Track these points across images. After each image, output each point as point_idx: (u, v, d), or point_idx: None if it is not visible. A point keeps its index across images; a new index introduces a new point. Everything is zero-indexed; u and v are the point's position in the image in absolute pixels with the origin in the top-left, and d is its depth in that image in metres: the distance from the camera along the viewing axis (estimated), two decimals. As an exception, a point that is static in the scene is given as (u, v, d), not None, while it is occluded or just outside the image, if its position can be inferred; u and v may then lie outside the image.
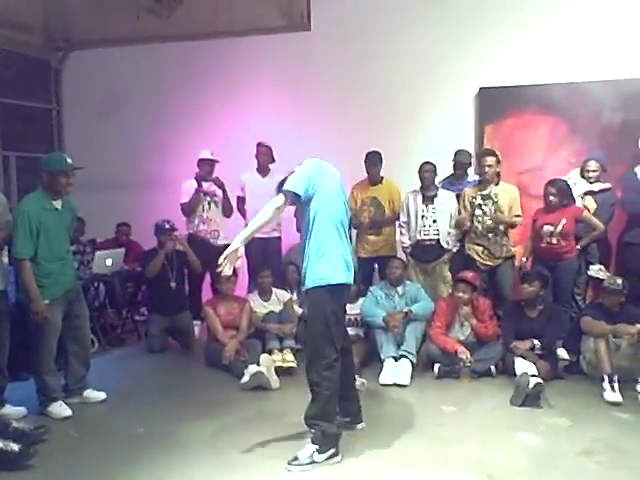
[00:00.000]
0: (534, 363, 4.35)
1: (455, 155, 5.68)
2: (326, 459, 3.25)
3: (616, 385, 4.11)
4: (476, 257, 5.21)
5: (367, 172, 5.72)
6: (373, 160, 5.66)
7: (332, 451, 3.28)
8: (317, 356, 3.25)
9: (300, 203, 3.33)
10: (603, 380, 4.17)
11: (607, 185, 5.39)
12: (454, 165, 5.71)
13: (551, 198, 5.03)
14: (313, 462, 3.23)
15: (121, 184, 6.97)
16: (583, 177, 5.40)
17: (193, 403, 4.24)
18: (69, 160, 4.02)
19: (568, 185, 5.15)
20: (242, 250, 3.37)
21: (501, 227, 5.18)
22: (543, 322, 4.67)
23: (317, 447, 3.25)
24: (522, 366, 4.30)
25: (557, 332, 4.72)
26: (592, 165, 5.37)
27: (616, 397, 4.06)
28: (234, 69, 6.76)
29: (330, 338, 3.26)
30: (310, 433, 3.31)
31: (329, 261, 3.29)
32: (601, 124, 5.85)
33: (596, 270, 4.97)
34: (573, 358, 4.73)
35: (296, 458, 3.24)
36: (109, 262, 5.78)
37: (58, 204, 4.02)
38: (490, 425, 3.79)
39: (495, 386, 4.48)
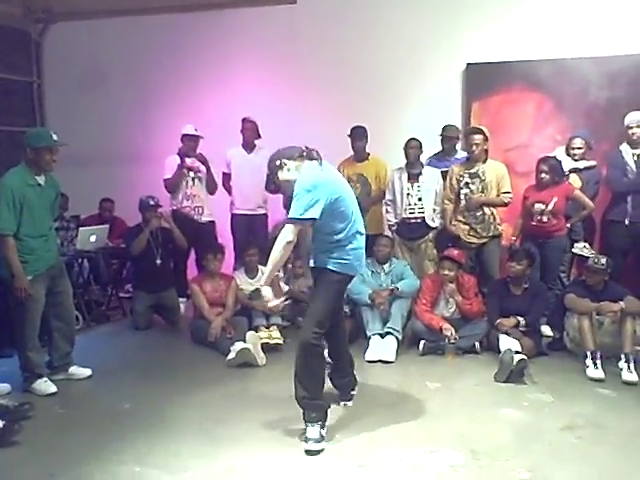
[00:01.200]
0: (518, 340, 4.40)
1: (443, 130, 5.64)
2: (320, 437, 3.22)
3: (599, 362, 4.17)
4: (461, 235, 5.21)
5: (352, 147, 5.68)
6: (358, 134, 5.62)
7: (323, 424, 3.27)
8: (316, 326, 3.27)
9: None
10: (586, 357, 4.22)
11: (592, 163, 5.41)
12: (442, 140, 5.67)
13: (543, 175, 5.03)
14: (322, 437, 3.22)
15: (104, 159, 6.88)
16: (568, 155, 5.41)
17: (179, 380, 4.24)
18: (54, 136, 3.95)
19: (560, 163, 5.15)
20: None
21: (486, 209, 5.16)
22: (528, 299, 4.71)
23: (321, 423, 3.24)
24: (506, 343, 4.34)
25: (541, 309, 4.77)
26: (577, 142, 5.38)
27: (598, 374, 4.12)
28: (219, 42, 6.64)
29: (329, 314, 3.35)
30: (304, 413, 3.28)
31: (353, 253, 3.36)
32: (587, 101, 5.84)
33: (580, 247, 5.00)
34: (557, 335, 4.78)
35: (308, 439, 3.20)
36: (93, 238, 5.72)
37: (41, 180, 3.96)
38: (474, 401, 3.83)
39: (479, 362, 4.53)
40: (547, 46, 5.90)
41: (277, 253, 3.27)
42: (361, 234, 3.45)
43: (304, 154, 3.36)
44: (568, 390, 3.97)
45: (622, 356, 4.14)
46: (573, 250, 5.15)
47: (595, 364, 4.16)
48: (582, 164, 5.37)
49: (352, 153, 5.72)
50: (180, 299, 5.76)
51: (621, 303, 4.32)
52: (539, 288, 4.83)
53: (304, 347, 3.26)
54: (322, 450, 3.18)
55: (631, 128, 5.14)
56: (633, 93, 5.63)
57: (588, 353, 4.22)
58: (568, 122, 5.87)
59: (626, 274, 5.09)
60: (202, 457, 3.12)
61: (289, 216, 3.23)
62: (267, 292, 3.41)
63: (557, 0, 5.90)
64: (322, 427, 3.25)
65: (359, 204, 3.59)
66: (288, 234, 3.21)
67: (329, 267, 3.36)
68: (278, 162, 3.36)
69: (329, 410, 3.38)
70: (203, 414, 3.66)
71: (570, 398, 3.82)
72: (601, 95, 5.80)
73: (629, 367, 4.08)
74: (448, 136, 5.62)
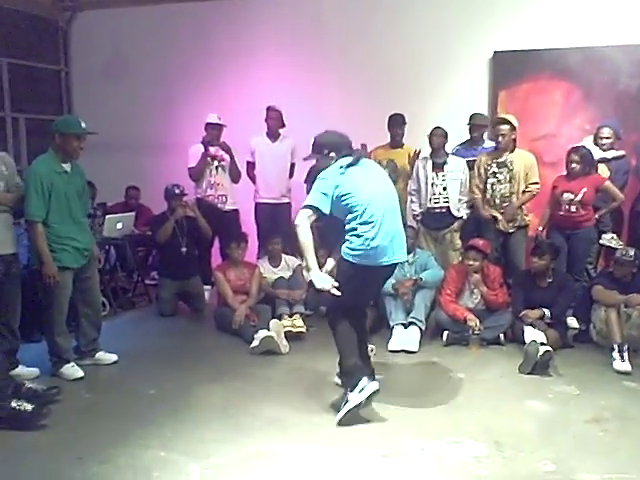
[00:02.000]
0: (543, 332, 4.35)
1: (470, 118, 5.57)
2: (360, 391, 3.27)
3: (626, 354, 4.11)
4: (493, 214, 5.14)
5: (390, 133, 5.66)
6: (397, 122, 5.62)
7: (363, 382, 3.29)
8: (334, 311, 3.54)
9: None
10: (613, 349, 4.17)
11: (621, 152, 5.31)
12: (470, 129, 5.60)
13: (574, 165, 4.94)
14: (352, 403, 3.26)
15: (130, 147, 6.94)
16: (596, 144, 5.31)
17: (203, 366, 4.28)
18: (83, 124, 4.00)
19: (591, 153, 5.05)
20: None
21: (514, 198, 5.09)
22: (554, 291, 4.65)
23: (349, 388, 3.31)
24: (531, 334, 4.29)
25: (567, 302, 4.70)
26: (605, 132, 5.27)
27: (625, 366, 4.06)
28: (244, 31, 6.64)
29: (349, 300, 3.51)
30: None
31: (366, 243, 3.42)
32: (617, 90, 5.73)
33: (608, 239, 4.93)
34: (583, 327, 4.72)
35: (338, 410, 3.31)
36: (119, 226, 5.78)
37: (67, 167, 4.01)
38: (498, 392, 3.81)
39: (504, 354, 4.50)
40: (576, 34, 5.79)
41: (300, 238, 3.42)
42: (371, 224, 3.40)
43: (347, 154, 3.49)
44: (594, 383, 3.93)
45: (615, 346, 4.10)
46: (601, 241, 5.07)
47: (622, 357, 4.11)
48: (610, 154, 5.27)
49: (379, 144, 5.69)
50: (205, 287, 5.81)
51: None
52: (565, 280, 4.76)
53: (330, 326, 3.54)
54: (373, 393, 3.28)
55: (662, 117, 5.02)
56: (665, 82, 5.51)
57: (615, 346, 4.16)
58: (597, 111, 5.77)
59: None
60: (226, 443, 3.15)
61: (306, 203, 3.45)
62: (329, 265, 3.59)
63: (587, -14, 5.78)
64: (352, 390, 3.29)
65: None
66: (297, 218, 3.43)
67: (343, 256, 3.47)
68: (326, 151, 3.50)
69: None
70: (227, 401, 3.69)
71: (596, 391, 3.78)
72: (631, 84, 5.70)
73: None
74: (476, 124, 5.55)
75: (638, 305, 4.29)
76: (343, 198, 3.38)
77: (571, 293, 4.72)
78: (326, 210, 3.39)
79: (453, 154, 5.49)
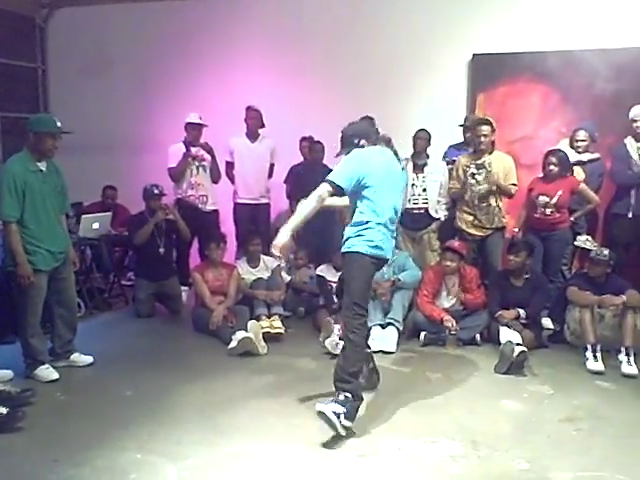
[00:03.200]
0: (519, 332, 4.41)
1: (465, 120, 5.63)
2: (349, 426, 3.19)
3: (599, 355, 4.19)
4: (464, 227, 5.20)
5: None
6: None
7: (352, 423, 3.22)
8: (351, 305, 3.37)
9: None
10: (586, 349, 4.24)
11: (596, 155, 5.39)
12: (463, 130, 5.64)
13: (551, 168, 5.00)
14: (340, 425, 3.15)
15: (107, 146, 6.87)
16: (572, 147, 5.38)
17: (181, 368, 4.26)
18: (58, 123, 3.95)
19: (567, 156, 5.12)
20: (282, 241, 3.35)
21: (492, 200, 5.14)
22: (529, 291, 4.72)
23: (344, 411, 3.16)
24: (507, 335, 4.35)
25: (542, 302, 4.77)
26: (581, 135, 5.35)
27: (598, 366, 4.13)
28: (224, 30, 6.61)
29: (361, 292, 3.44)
30: (337, 393, 3.24)
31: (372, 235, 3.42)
32: (593, 94, 5.81)
33: (583, 240, 4.99)
34: (557, 327, 4.78)
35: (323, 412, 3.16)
36: (96, 226, 5.73)
37: (43, 166, 3.96)
38: (474, 392, 3.85)
39: (480, 354, 4.54)
40: (554, 37, 5.86)
41: (307, 202, 3.34)
42: (385, 219, 3.43)
43: (377, 139, 3.51)
44: (568, 382, 3.98)
45: (622, 349, 4.16)
46: (576, 243, 5.14)
47: (595, 357, 4.18)
48: (586, 157, 5.35)
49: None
50: (182, 287, 5.78)
51: (623, 296, 4.32)
52: (540, 280, 4.83)
53: (347, 326, 3.37)
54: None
55: (636, 121, 5.11)
56: (639, 86, 5.59)
57: (589, 346, 4.23)
58: (574, 114, 5.84)
59: (628, 267, 5.09)
60: (204, 444, 3.14)
61: (328, 177, 3.37)
62: (281, 238, 3.35)
63: (563, -10, 5.86)
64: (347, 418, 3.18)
65: None
66: (320, 189, 3.33)
67: (352, 249, 3.40)
68: (357, 140, 3.47)
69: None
70: (205, 402, 3.68)
71: (570, 390, 3.83)
72: (607, 88, 5.77)
73: (629, 360, 4.10)
74: (468, 126, 5.59)
75: (611, 306, 4.36)
76: (366, 188, 3.38)
77: (546, 293, 4.79)
78: (347, 190, 3.36)
79: (445, 154, 5.51)
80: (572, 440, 3.22)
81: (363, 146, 3.48)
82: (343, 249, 3.45)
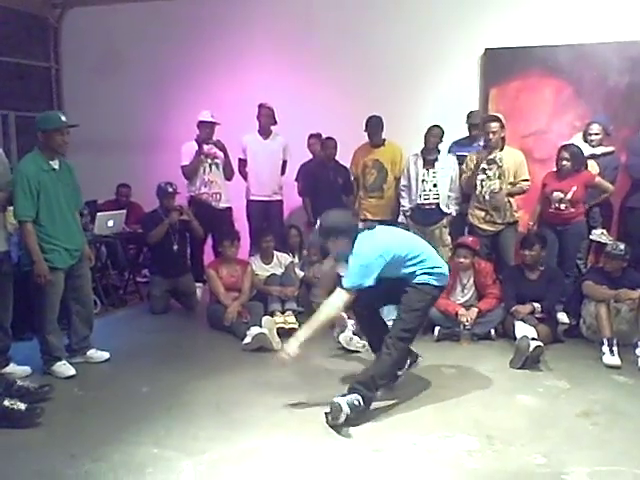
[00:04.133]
0: (534, 326, 4.38)
1: (468, 117, 5.61)
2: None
3: (615, 349, 4.15)
4: (476, 223, 5.19)
5: (369, 137, 5.69)
6: (373, 125, 5.63)
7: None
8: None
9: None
10: (603, 344, 4.20)
11: (610, 149, 5.34)
12: (469, 127, 5.64)
13: (564, 163, 4.96)
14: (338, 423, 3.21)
15: (121, 144, 6.92)
16: (585, 141, 5.34)
17: (196, 363, 4.29)
18: (63, 118, 3.97)
19: (581, 151, 5.07)
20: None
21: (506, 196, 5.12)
22: (543, 285, 4.69)
23: (348, 413, 3.21)
24: (522, 329, 4.32)
25: (557, 295, 4.74)
26: (594, 128, 5.31)
27: (615, 360, 4.10)
28: (236, 27, 6.62)
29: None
30: (353, 394, 3.30)
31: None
32: (607, 87, 5.76)
33: (598, 234, 4.97)
34: (573, 322, 4.76)
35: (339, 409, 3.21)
36: (110, 223, 5.77)
37: (55, 164, 3.98)
38: (490, 387, 3.84)
39: (495, 349, 4.53)
40: (566, 31, 5.81)
41: (323, 316, 3.36)
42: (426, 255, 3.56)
43: (356, 231, 3.48)
44: (584, 377, 3.96)
45: (639, 343, 4.12)
46: (591, 237, 5.11)
47: (612, 351, 4.14)
48: (599, 150, 5.31)
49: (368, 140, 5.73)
50: (197, 284, 5.81)
51: (639, 290, 4.28)
52: (555, 273, 4.81)
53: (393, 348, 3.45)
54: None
55: (652, 114, 5.06)
56: (654, 79, 5.55)
57: (605, 340, 4.20)
58: (587, 108, 5.80)
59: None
60: (219, 440, 3.15)
61: (344, 284, 3.34)
62: (291, 348, 3.41)
63: (577, -17, 5.81)
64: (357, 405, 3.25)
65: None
66: (339, 302, 3.35)
67: (421, 283, 3.47)
68: (333, 238, 3.47)
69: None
70: (220, 397, 3.70)
71: (586, 385, 3.81)
72: (621, 81, 5.72)
73: (646, 353, 4.07)
74: (474, 123, 5.58)
75: (627, 300, 4.32)
76: (397, 260, 3.43)
77: (560, 286, 4.76)
78: (371, 283, 3.35)
79: (450, 150, 5.49)
80: (589, 435, 3.20)
81: (337, 239, 3.44)
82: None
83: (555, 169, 5.09)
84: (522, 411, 3.50)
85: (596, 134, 5.29)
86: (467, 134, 5.68)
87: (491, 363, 4.24)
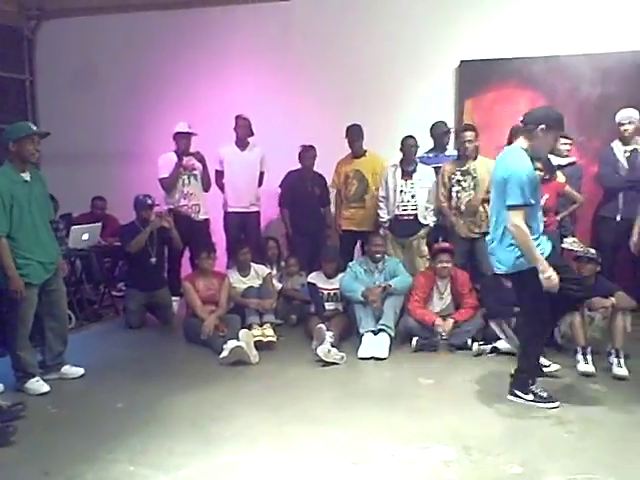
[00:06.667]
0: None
1: (431, 129, 5.68)
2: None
3: (589, 357, 4.20)
4: (458, 230, 5.24)
5: (350, 145, 5.71)
6: (354, 133, 5.67)
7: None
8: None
9: None
10: (577, 352, 4.25)
11: (573, 159, 5.45)
12: (433, 139, 5.70)
13: (537, 173, 5.03)
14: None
15: (96, 157, 6.86)
16: (552, 152, 5.39)
17: (172, 378, 4.24)
18: (33, 127, 3.96)
19: (550, 160, 5.16)
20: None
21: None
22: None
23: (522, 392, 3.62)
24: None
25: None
26: (563, 140, 5.38)
27: (589, 368, 4.14)
28: (212, 40, 6.63)
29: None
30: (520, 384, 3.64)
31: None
32: (579, 98, 5.86)
33: (570, 242, 5.02)
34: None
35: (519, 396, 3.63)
36: (85, 237, 5.71)
37: (27, 176, 3.94)
38: (466, 397, 3.85)
39: (472, 359, 4.55)
40: (540, 43, 5.91)
41: (522, 239, 3.43)
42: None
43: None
44: (559, 385, 3.99)
45: (612, 351, 4.18)
46: (563, 245, 5.16)
47: (585, 359, 4.19)
48: (565, 161, 5.40)
49: (349, 151, 5.75)
50: (173, 298, 5.76)
51: (612, 298, 4.34)
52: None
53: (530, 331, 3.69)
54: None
55: (622, 125, 5.16)
56: (625, 90, 5.66)
57: (579, 348, 4.25)
58: (561, 119, 5.87)
59: (616, 270, 5.12)
60: (196, 455, 3.12)
61: (512, 203, 3.44)
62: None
63: (550, -3, 5.91)
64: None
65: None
66: (513, 220, 3.44)
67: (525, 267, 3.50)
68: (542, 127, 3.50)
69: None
70: (197, 412, 3.66)
71: (561, 393, 3.83)
72: (593, 92, 5.83)
73: (619, 362, 4.12)
74: (437, 133, 5.65)
75: (601, 308, 4.38)
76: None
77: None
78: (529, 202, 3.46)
79: (420, 160, 5.55)
80: (564, 443, 3.22)
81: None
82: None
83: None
84: (498, 421, 3.52)
85: (564, 144, 5.36)
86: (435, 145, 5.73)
87: (468, 373, 4.26)
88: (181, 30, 6.73)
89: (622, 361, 4.13)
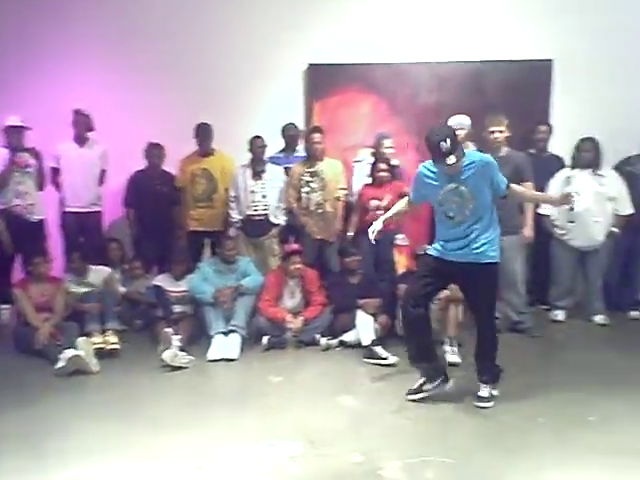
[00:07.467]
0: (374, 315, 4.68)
1: (282, 131, 5.73)
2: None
3: (456, 348, 4.42)
4: (309, 230, 5.34)
5: (198, 144, 5.60)
6: (203, 131, 5.57)
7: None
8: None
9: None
10: (444, 343, 4.44)
11: (397, 162, 5.76)
12: (285, 140, 5.76)
13: (382, 174, 5.27)
14: (493, 397, 3.68)
15: None
16: (374, 155, 5.63)
17: (2, 392, 3.90)
18: None
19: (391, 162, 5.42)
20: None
21: (327, 206, 5.32)
22: (365, 287, 4.98)
23: (492, 385, 3.71)
24: (362, 318, 4.60)
25: (378, 296, 4.99)
26: (388, 143, 5.64)
27: (456, 359, 4.34)
28: (52, 26, 6.15)
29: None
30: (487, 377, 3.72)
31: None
32: (418, 104, 6.21)
33: (401, 239, 5.34)
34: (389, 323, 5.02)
35: (482, 398, 3.67)
36: None
37: None
38: (314, 391, 3.93)
39: (321, 354, 4.65)
40: (383, 50, 6.16)
41: (526, 194, 4.13)
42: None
43: None
44: (399, 375, 4.17)
45: (446, 339, 4.47)
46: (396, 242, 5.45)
47: (453, 350, 4.40)
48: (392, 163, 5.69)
49: (196, 148, 5.64)
50: (3, 305, 5.29)
51: (445, 291, 4.63)
52: (372, 276, 5.14)
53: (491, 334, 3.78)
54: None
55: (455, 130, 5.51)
56: (458, 97, 6.07)
57: (447, 339, 4.45)
58: (400, 123, 6.20)
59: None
60: (31, 471, 2.92)
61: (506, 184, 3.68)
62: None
63: (393, 7, 6.18)
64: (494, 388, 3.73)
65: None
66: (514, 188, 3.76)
67: (492, 259, 3.65)
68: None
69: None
70: (32, 428, 3.40)
71: (400, 383, 3.97)
72: (430, 98, 6.20)
73: (452, 349, 4.42)
74: (288, 134, 5.72)
75: (436, 300, 4.66)
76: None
77: (380, 289, 5.03)
78: None
79: (270, 161, 5.58)
80: (402, 430, 3.39)
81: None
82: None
83: (370, 181, 5.36)
84: (343, 412, 3.62)
85: (389, 148, 5.63)
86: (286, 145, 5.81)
87: (316, 368, 4.35)
88: (10, 14, 6.16)
89: (455, 349, 4.43)
